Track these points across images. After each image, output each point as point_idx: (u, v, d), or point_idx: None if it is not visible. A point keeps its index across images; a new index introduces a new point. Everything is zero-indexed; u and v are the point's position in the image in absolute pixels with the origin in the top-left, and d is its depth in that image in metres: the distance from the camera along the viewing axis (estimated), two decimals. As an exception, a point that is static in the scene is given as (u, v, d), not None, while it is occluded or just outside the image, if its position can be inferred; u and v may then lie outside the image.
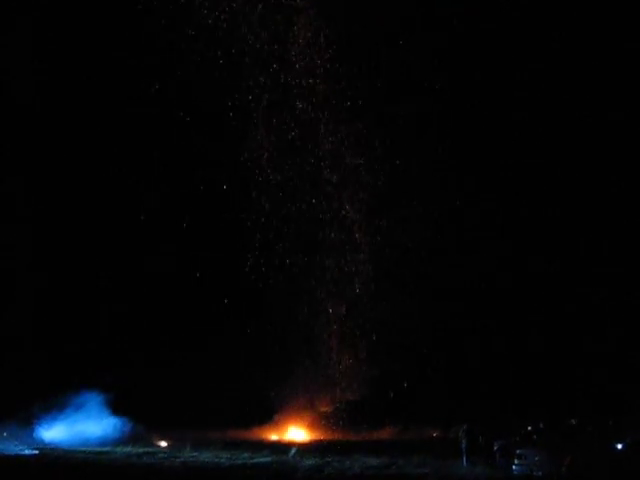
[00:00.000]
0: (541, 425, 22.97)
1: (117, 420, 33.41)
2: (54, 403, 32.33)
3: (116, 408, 33.16)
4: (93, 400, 33.08)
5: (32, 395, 32.06)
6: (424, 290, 34.08)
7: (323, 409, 36.78)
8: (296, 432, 36.07)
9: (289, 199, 35.05)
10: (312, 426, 36.36)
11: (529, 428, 22.90)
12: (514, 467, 19.41)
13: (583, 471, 17.77)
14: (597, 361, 32.07)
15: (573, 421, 22.94)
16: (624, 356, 31.47)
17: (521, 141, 34.61)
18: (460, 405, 30.60)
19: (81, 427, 32.66)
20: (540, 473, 18.61)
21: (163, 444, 32.20)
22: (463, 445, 22.67)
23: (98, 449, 28.95)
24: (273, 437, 35.32)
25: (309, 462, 23.57)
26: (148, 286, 36.03)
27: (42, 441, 30.58)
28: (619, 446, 18.90)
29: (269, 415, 36.28)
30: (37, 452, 27.29)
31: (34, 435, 31.39)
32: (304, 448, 28.52)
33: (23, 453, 27.12)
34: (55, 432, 32.12)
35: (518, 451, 19.55)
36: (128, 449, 28.95)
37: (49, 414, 32.35)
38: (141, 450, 28.51)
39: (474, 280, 34.26)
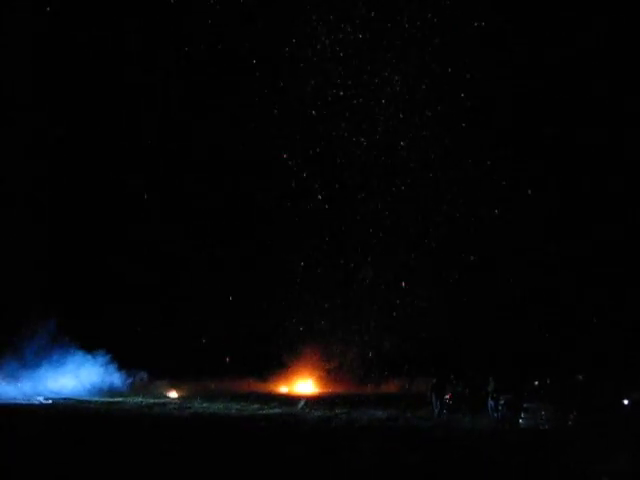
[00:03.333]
0: (548, 380, 23.07)
1: (126, 372, 33.93)
2: (61, 356, 32.77)
3: (126, 360, 33.54)
4: (99, 353, 33.54)
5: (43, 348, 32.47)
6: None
7: (331, 363, 37.11)
8: (305, 385, 36.48)
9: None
10: (321, 380, 36.78)
11: (536, 383, 23.02)
12: (521, 421, 19.60)
13: (589, 425, 17.90)
14: (605, 317, 32.04)
15: (580, 376, 22.98)
16: (633, 313, 31.39)
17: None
18: (468, 360, 30.73)
19: (89, 379, 33.14)
20: (547, 427, 18.79)
21: (173, 395, 32.67)
22: (433, 399, 23.49)
23: (109, 399, 29.43)
24: (282, 390, 35.72)
25: (317, 414, 23.87)
26: (154, 238, 36.12)
27: (52, 391, 31.02)
28: (625, 402, 19.00)
29: (279, 368, 36.64)
30: (50, 402, 27.77)
31: (43, 385, 31.81)
32: (312, 401, 28.85)
33: (37, 402, 27.61)
34: (65, 383, 32.57)
35: (525, 405, 19.72)
36: (139, 400, 29.41)
37: (57, 366, 32.77)
38: (152, 401, 28.96)
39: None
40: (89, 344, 33.10)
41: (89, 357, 33.24)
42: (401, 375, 35.19)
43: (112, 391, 32.47)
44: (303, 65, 32.07)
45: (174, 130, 35.31)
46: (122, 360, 33.61)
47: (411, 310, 34.22)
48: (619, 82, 32.01)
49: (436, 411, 23.32)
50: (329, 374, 36.81)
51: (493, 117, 33.18)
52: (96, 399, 29.47)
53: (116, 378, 33.59)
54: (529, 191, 33.29)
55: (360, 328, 35.81)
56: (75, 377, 32.90)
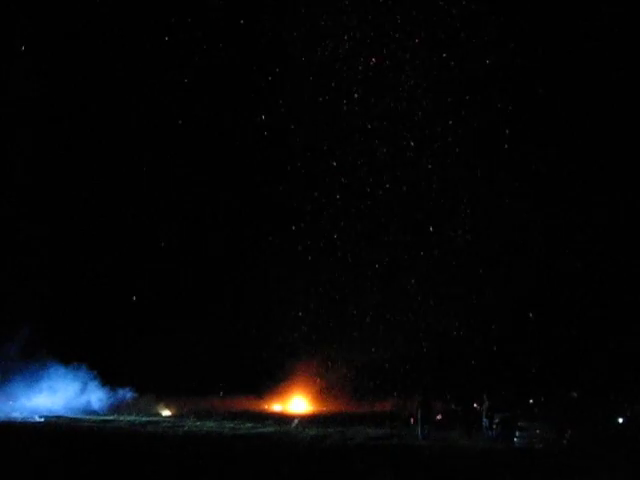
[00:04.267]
0: (542, 398, 23.09)
1: (117, 390, 33.77)
2: (44, 373, 32.61)
3: (116, 379, 33.38)
4: (86, 372, 33.35)
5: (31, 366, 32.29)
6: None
7: (325, 381, 36.98)
8: (299, 404, 36.32)
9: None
10: (315, 398, 36.62)
11: (531, 401, 23.03)
12: (515, 439, 19.56)
13: (584, 444, 17.88)
14: (599, 336, 32.08)
15: (574, 394, 23.03)
16: (626, 330, 31.45)
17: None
18: (462, 378, 30.69)
19: (80, 397, 32.99)
20: (541, 446, 18.75)
21: (166, 413, 32.50)
22: (418, 415, 22.91)
23: (102, 418, 29.25)
24: (276, 408, 35.56)
25: (311, 433, 23.76)
26: (147, 254, 36.11)
27: (43, 410, 30.84)
28: (620, 420, 19.02)
29: (273, 386, 36.49)
30: (42, 420, 27.59)
31: (33, 403, 31.64)
32: (306, 419, 28.74)
33: (29, 421, 27.41)
34: (55, 401, 32.40)
35: (520, 424, 19.69)
36: (132, 418, 29.25)
37: (48, 385, 32.62)
38: (145, 419, 28.80)
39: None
40: (73, 360, 32.96)
41: (75, 374, 33.10)
42: (395, 393, 35.06)
43: (101, 409, 32.32)
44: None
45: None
46: (108, 377, 33.47)
47: (406, 327, 34.16)
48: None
49: (418, 430, 22.72)
50: (323, 392, 36.66)
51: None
52: (88, 417, 29.28)
53: (102, 396, 33.41)
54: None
55: (355, 345, 35.73)
56: (62, 395, 32.73)
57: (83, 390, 33.14)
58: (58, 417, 28.88)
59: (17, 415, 28.83)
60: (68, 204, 36.37)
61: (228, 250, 36.41)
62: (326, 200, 34.02)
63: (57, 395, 32.69)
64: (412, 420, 23.43)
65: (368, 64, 31.95)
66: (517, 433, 19.56)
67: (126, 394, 33.86)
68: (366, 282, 35.33)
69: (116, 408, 32.78)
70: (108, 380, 33.50)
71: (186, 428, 25.00)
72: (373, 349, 35.12)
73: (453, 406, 24.20)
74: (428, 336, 33.64)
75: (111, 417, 29.76)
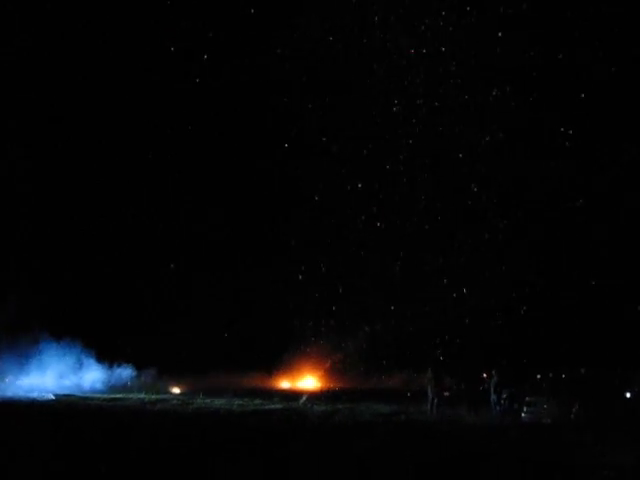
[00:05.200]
0: (550, 374, 23.08)
1: (135, 368, 34.06)
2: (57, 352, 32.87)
3: (128, 356, 33.64)
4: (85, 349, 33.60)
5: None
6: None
7: (334, 358, 37.11)
8: (307, 380, 36.50)
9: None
10: (323, 375, 36.78)
11: (538, 377, 23.02)
12: (523, 415, 19.61)
13: (591, 419, 17.90)
14: (607, 311, 31.99)
15: (582, 370, 22.99)
16: (634, 304, 31.34)
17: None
18: (470, 353, 30.73)
19: (87, 376, 33.29)
20: (549, 421, 18.79)
21: (176, 391, 32.73)
22: (428, 393, 23.06)
23: (112, 396, 29.49)
24: (285, 385, 35.75)
25: (319, 409, 23.88)
26: (156, 231, 36.23)
27: (55, 388, 31.12)
28: (627, 394, 19.01)
29: (281, 363, 36.68)
30: (53, 398, 27.84)
31: (45, 382, 31.91)
32: (315, 396, 28.88)
33: (40, 399, 27.66)
34: (65, 379, 32.69)
35: (527, 399, 19.72)
36: (142, 396, 29.47)
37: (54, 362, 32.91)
38: (154, 397, 29.01)
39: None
40: (90, 340, 33.20)
41: (90, 353, 33.34)
42: (404, 369, 35.16)
43: (116, 387, 32.60)
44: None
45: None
46: (128, 356, 33.75)
47: (413, 303, 34.13)
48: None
49: (429, 406, 22.90)
50: (332, 369, 36.80)
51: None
52: (98, 396, 29.53)
53: (122, 374, 33.71)
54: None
55: (363, 321, 35.78)
56: (76, 373, 33.00)
57: (85, 368, 33.42)
58: (68, 395, 29.16)
59: (29, 394, 29.09)
60: (63, 176, 36.52)
61: (235, 225, 36.47)
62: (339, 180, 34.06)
63: (58, 373, 33.01)
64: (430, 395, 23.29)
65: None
66: (525, 408, 19.60)
67: (143, 372, 34.19)
68: (375, 258, 35.35)
69: (126, 386, 33.07)
70: (129, 360, 33.83)
71: (195, 405, 25.18)
72: (382, 324, 35.22)
73: (454, 385, 24.16)
74: (436, 311, 33.61)
75: (121, 395, 30.01)
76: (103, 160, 36.49)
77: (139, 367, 34.27)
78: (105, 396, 29.34)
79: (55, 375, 32.85)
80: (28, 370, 32.21)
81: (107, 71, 35.12)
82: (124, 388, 32.62)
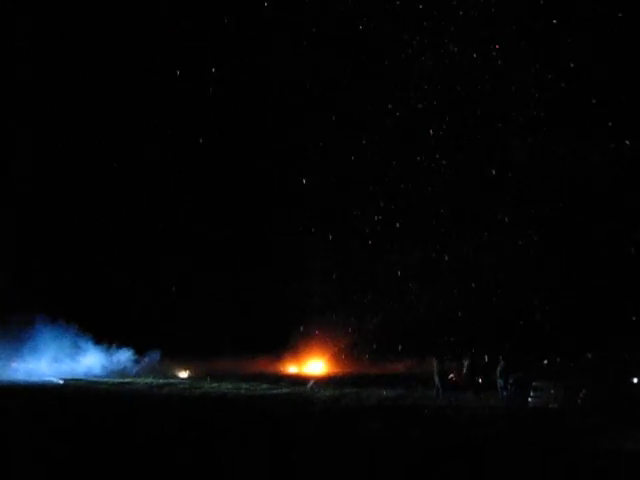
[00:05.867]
0: (557, 359, 23.04)
1: (138, 352, 34.17)
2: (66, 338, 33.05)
3: (135, 340, 33.78)
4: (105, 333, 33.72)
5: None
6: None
7: (341, 343, 37.16)
8: (314, 365, 36.59)
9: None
10: (330, 360, 36.85)
11: (545, 362, 22.99)
12: (530, 400, 19.60)
13: (598, 404, 17.89)
14: (614, 296, 31.87)
15: (589, 355, 22.94)
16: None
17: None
18: (477, 339, 30.70)
19: (99, 360, 33.46)
20: (556, 406, 18.78)
21: (183, 375, 32.89)
22: (436, 379, 23.11)
23: (119, 380, 29.67)
24: (292, 370, 35.86)
25: (326, 394, 23.96)
26: (165, 216, 36.31)
27: (63, 372, 31.32)
28: (635, 380, 18.96)
29: (288, 348, 36.76)
30: (62, 382, 28.05)
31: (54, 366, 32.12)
32: (322, 380, 28.97)
33: (50, 383, 27.88)
34: (75, 364, 32.87)
35: (534, 384, 19.69)
36: (149, 380, 29.63)
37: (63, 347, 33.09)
38: (162, 381, 29.18)
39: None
40: (96, 325, 33.33)
41: (96, 338, 33.49)
42: (411, 354, 35.17)
43: (123, 372, 32.76)
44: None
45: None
46: (134, 340, 33.86)
47: (421, 288, 34.12)
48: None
49: (435, 391, 22.98)
50: (338, 354, 36.87)
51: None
52: (106, 380, 29.72)
53: (127, 359, 33.86)
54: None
55: (371, 307, 35.79)
56: (84, 358, 33.19)
57: (111, 354, 33.64)
58: (77, 380, 29.36)
59: (38, 378, 29.31)
60: (62, 176, 36.66)
61: (242, 211, 36.47)
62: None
63: (61, 357, 33.24)
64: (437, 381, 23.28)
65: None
66: (531, 393, 19.58)
67: (148, 356, 34.31)
68: (383, 245, 35.30)
69: (138, 370, 33.28)
70: (134, 344, 34.01)
71: (202, 390, 25.31)
72: (389, 311, 35.22)
73: (455, 371, 24.21)
74: (443, 296, 33.60)
75: (128, 379, 30.19)
76: (103, 160, 36.69)
77: (140, 351, 34.37)
78: (113, 380, 29.52)
79: (59, 359, 32.98)
80: (34, 354, 32.35)
81: (107, 71, 35.20)
82: (127, 372, 32.81)
